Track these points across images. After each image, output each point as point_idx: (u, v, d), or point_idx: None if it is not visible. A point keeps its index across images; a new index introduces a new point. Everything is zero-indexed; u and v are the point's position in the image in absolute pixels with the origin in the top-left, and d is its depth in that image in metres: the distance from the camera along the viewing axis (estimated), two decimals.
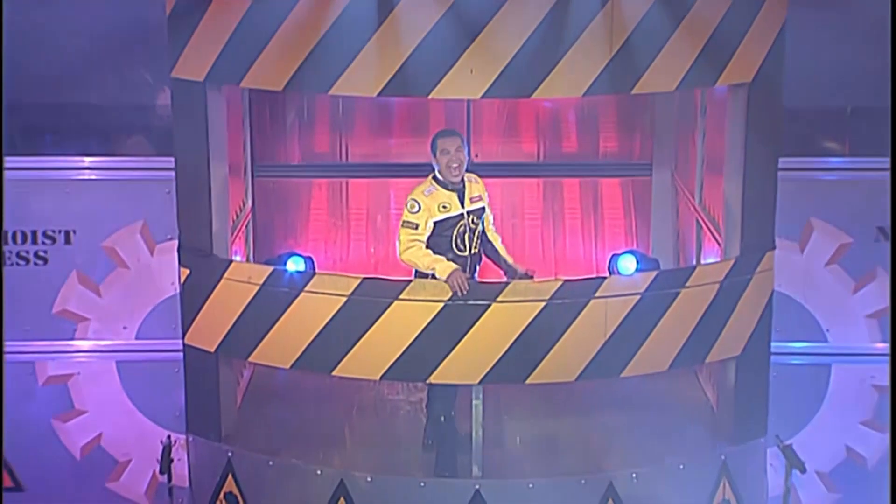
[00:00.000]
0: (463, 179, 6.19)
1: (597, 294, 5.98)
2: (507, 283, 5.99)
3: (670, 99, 7.64)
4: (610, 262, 7.74)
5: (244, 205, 7.32)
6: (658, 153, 7.87)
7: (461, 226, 6.14)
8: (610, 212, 8.02)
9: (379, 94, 5.78)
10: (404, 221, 6.10)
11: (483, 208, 6.28)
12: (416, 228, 6.06)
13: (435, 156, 6.13)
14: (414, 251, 6.03)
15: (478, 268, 6.35)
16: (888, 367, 5.83)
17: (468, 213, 6.18)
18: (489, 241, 6.38)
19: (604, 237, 8.02)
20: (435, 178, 6.17)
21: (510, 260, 6.42)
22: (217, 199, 6.31)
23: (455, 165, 6.08)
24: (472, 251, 6.22)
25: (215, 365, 6.42)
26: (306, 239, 7.93)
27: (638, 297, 6.02)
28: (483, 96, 5.78)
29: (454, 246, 6.14)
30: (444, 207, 6.11)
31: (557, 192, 8.03)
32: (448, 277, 5.88)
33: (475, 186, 6.27)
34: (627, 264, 7.54)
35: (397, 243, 6.15)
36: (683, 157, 7.65)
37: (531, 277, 6.21)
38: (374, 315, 5.97)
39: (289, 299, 6.07)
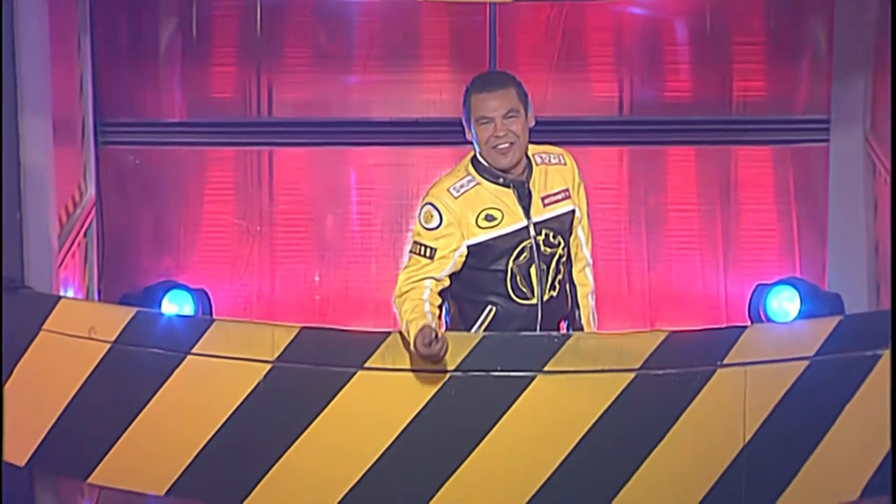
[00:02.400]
0: (529, 160, 6.07)
1: (728, 358, 5.98)
2: (563, 339, 5.99)
3: (862, 7, 7.70)
4: (752, 300, 7.85)
5: (83, 194, 7.37)
6: (840, 103, 7.94)
7: (524, 249, 6.05)
8: (752, 206, 8.08)
9: None
10: (413, 242, 6.03)
11: (572, 212, 6.12)
12: (430, 257, 5.96)
13: (469, 124, 6.00)
14: (406, 298, 5.90)
15: (561, 324, 6.22)
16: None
17: (538, 224, 6.06)
18: (571, 282, 6.23)
19: (740, 253, 8.08)
20: (475, 161, 6.05)
21: (592, 329, 6.27)
22: (33, 183, 6.34)
23: (505, 145, 5.94)
24: (547, 296, 6.09)
25: (28, 490, 6.43)
26: (195, 258, 8.02)
27: (805, 363, 6.03)
28: None
29: (510, 288, 6.04)
30: (491, 219, 6.01)
31: (656, 168, 8.13)
32: (414, 341, 5.75)
33: (555, 172, 6.11)
34: (784, 303, 7.62)
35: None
36: (884, 111, 7.62)
37: None
38: (323, 397, 5.98)
39: (165, 369, 6.07)
